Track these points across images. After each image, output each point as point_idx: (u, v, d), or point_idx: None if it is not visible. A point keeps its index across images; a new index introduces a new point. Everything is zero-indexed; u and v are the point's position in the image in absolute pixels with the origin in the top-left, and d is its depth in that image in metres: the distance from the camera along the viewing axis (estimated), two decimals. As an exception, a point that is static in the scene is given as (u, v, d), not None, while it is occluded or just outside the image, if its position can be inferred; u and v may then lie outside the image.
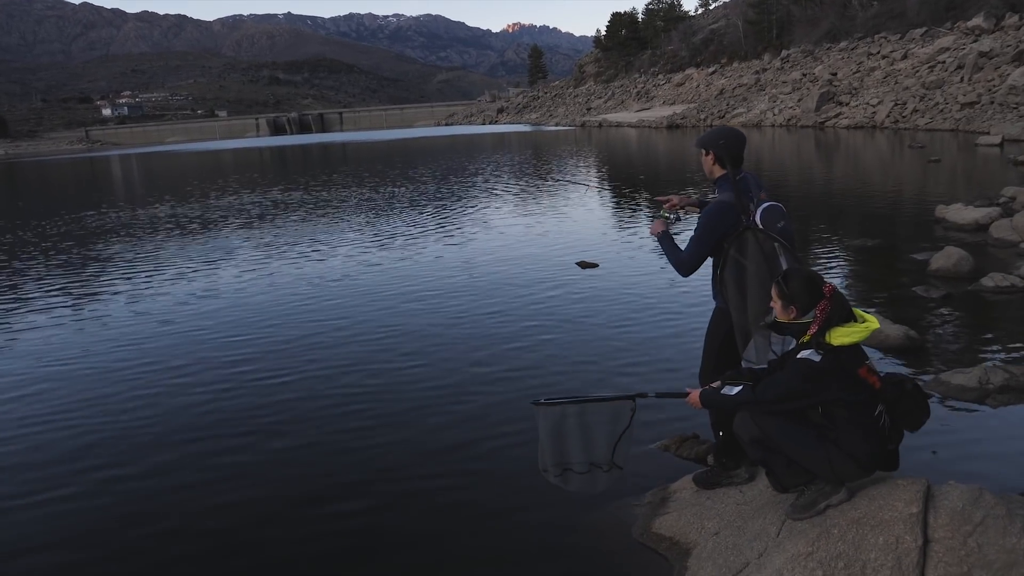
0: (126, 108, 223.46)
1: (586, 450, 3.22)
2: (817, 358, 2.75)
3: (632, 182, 20.61)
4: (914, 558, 2.53)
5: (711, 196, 3.61)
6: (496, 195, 18.86)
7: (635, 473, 4.14)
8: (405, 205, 17.54)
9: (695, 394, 3.12)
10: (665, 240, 3.59)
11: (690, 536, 3.27)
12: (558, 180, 21.81)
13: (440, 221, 14.56)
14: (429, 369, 6.07)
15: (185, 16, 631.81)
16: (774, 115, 45.60)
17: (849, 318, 2.78)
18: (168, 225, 16.43)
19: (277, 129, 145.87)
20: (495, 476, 4.27)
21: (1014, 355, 5.47)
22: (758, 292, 3.21)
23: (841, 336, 2.73)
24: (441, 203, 17.57)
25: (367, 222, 14.99)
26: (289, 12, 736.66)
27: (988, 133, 24.94)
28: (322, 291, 9.02)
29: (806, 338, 2.81)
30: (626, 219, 13.88)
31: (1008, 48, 33.72)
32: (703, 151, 3.47)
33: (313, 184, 25.24)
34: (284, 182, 27.22)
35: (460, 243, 11.97)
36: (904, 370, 5.23)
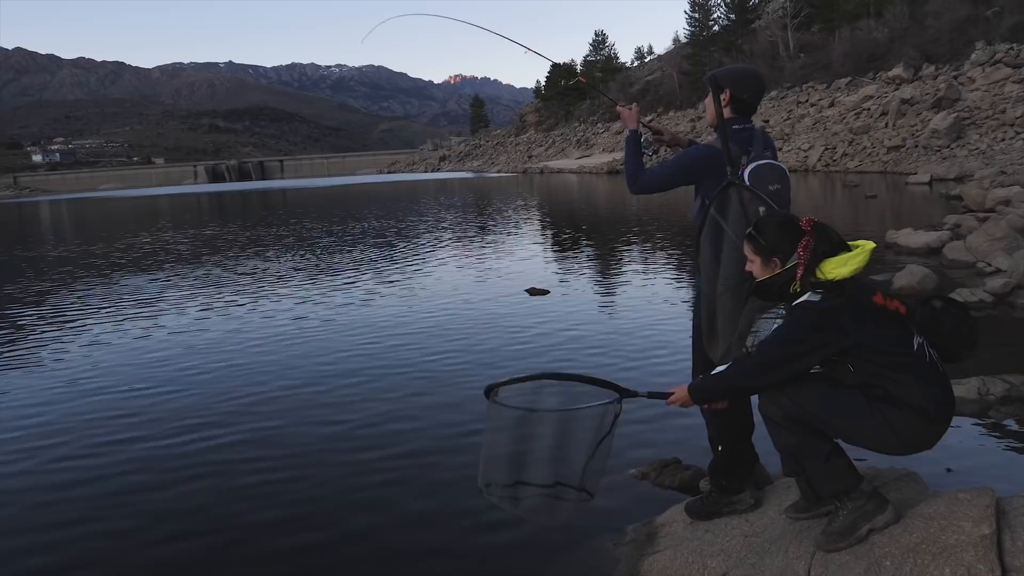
0: (58, 154, 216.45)
1: (556, 461, 2.46)
2: (817, 298, 2.23)
3: (573, 220, 20.41)
4: (993, 594, 1.95)
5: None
6: (439, 233, 18.30)
7: (609, 506, 3.50)
8: (349, 244, 16.76)
9: (680, 390, 2.53)
10: (631, 142, 3.02)
11: (690, 579, 2.62)
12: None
13: (383, 258, 13.85)
14: (378, 409, 5.29)
15: (123, 63, 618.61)
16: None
17: (840, 249, 2.27)
18: (92, 265, 15.22)
19: (216, 177, 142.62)
20: (443, 522, 3.56)
21: (1001, 367, 5.09)
22: (734, 261, 2.63)
23: (836, 267, 2.23)
24: (385, 241, 16.89)
25: (309, 262, 14.14)
26: (231, 61, 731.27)
27: (916, 173, 25.83)
28: (272, 331, 8.10)
29: (796, 286, 2.28)
30: (569, 252, 13.45)
31: (927, 96, 35.41)
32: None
33: (252, 225, 24.19)
34: (220, 225, 26.05)
35: (405, 276, 11.29)
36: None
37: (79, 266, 14.69)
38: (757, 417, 2.96)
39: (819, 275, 2.26)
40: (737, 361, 2.40)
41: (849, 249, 2.29)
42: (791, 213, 2.51)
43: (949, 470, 3.54)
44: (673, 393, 2.55)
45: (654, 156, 3.11)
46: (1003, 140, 27.90)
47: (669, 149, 3.26)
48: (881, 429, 2.24)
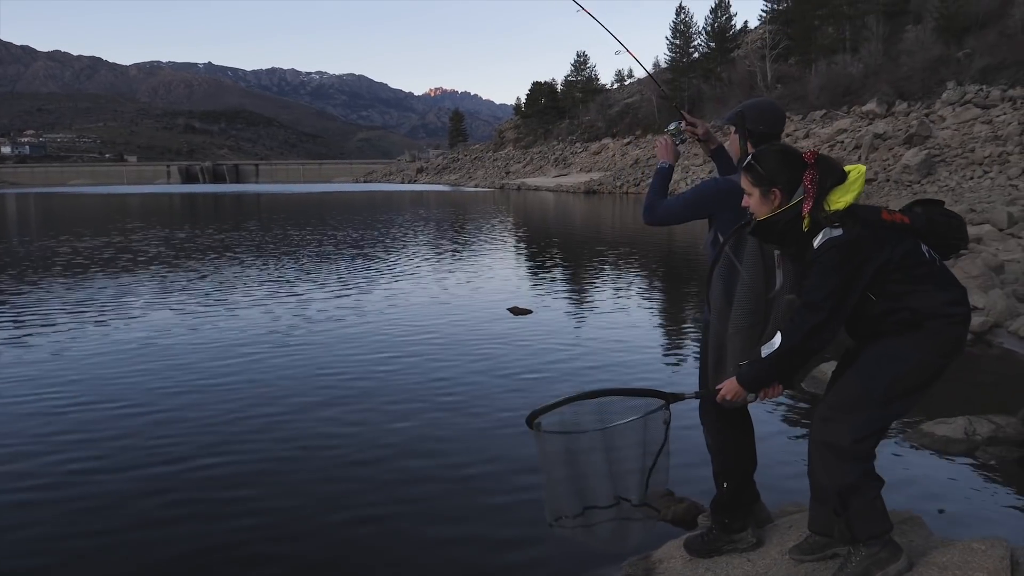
0: (28, 147, 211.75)
1: (614, 477, 2.40)
2: (839, 231, 2.21)
3: (550, 238, 20.47)
4: (1010, 648, 1.93)
5: None
6: (419, 248, 18.21)
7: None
8: (328, 258, 16.57)
9: (730, 382, 2.43)
10: (659, 176, 3.04)
11: (692, 619, 2.57)
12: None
13: (363, 274, 13.72)
14: (361, 434, 5.15)
15: (100, 59, 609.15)
16: (687, 184, 47.36)
17: (843, 180, 2.27)
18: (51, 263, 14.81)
19: (189, 177, 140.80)
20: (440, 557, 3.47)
21: (985, 406, 5.14)
22: (746, 303, 2.63)
23: (841, 195, 2.23)
24: (363, 254, 16.75)
25: (286, 276, 13.92)
26: (210, 62, 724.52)
27: (888, 207, 26.44)
28: (245, 349, 7.96)
29: (806, 224, 2.25)
30: (548, 271, 13.45)
31: (899, 131, 36.36)
32: (732, 129, 2.95)
33: (227, 229, 23.82)
34: (192, 227, 25.61)
35: (386, 292, 11.17)
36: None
37: (42, 264, 14.28)
38: (760, 452, 2.94)
39: (828, 207, 2.25)
40: (785, 334, 2.29)
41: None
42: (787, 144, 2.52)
43: (941, 511, 3.54)
44: (721, 388, 2.47)
45: (681, 144, 3.16)
46: (971, 178, 28.68)
47: (699, 142, 3.23)
48: (922, 362, 2.26)
